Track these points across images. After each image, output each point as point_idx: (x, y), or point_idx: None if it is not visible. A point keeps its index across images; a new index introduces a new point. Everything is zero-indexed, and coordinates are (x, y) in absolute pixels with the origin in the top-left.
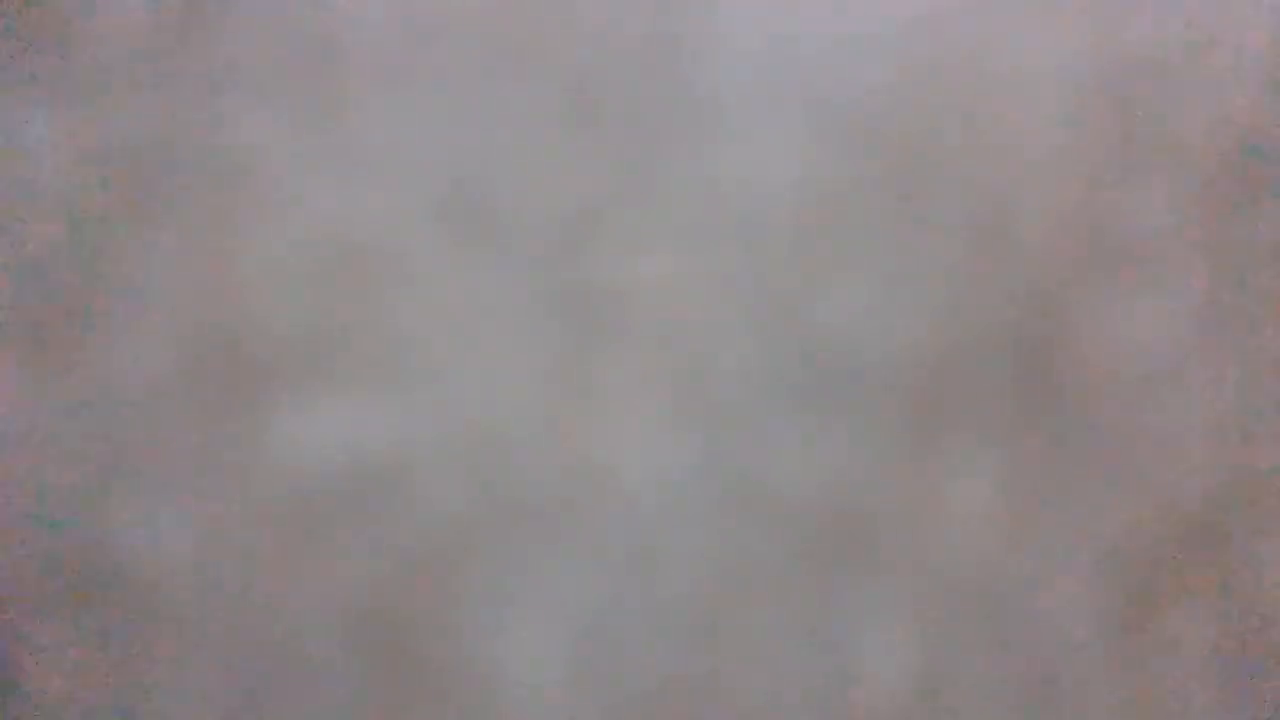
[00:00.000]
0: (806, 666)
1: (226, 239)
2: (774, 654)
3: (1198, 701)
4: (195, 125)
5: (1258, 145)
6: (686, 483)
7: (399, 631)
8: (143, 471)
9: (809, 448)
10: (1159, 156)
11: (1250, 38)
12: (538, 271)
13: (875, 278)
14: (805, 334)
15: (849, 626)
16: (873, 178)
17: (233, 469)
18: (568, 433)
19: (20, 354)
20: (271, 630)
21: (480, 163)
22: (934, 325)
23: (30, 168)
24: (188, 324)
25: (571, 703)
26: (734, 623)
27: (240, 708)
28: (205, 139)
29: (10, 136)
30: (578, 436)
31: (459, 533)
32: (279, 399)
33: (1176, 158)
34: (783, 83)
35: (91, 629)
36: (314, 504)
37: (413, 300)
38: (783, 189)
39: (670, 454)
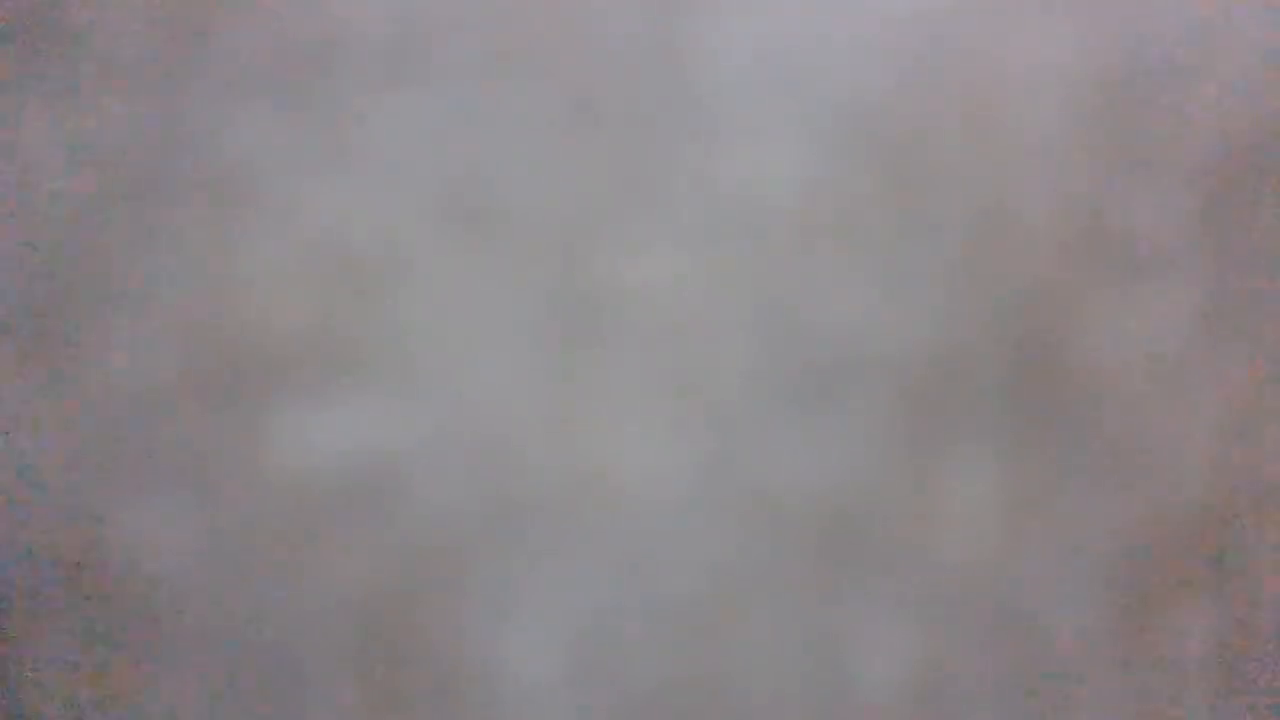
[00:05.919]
0: (806, 666)
1: (226, 239)
2: (774, 654)
3: (1197, 702)
4: (195, 126)
5: (1260, 145)
6: (687, 482)
7: (399, 632)
8: (143, 471)
9: (809, 448)
10: (1160, 156)
11: (1251, 37)
12: (538, 272)
13: (875, 277)
14: (805, 334)
15: (849, 626)
16: (873, 178)
17: (233, 469)
18: (568, 433)
19: (20, 354)
20: (272, 630)
21: (480, 164)
22: (934, 325)
23: (30, 168)
24: (188, 324)
25: (572, 703)
26: (734, 623)
27: (240, 708)
28: (205, 140)
29: (10, 136)
30: (578, 436)
31: (459, 533)
32: (279, 399)
33: (1178, 157)
34: (783, 83)
35: (91, 629)
36: (314, 504)
37: (413, 301)
38: (783, 189)
39: (670, 454)
